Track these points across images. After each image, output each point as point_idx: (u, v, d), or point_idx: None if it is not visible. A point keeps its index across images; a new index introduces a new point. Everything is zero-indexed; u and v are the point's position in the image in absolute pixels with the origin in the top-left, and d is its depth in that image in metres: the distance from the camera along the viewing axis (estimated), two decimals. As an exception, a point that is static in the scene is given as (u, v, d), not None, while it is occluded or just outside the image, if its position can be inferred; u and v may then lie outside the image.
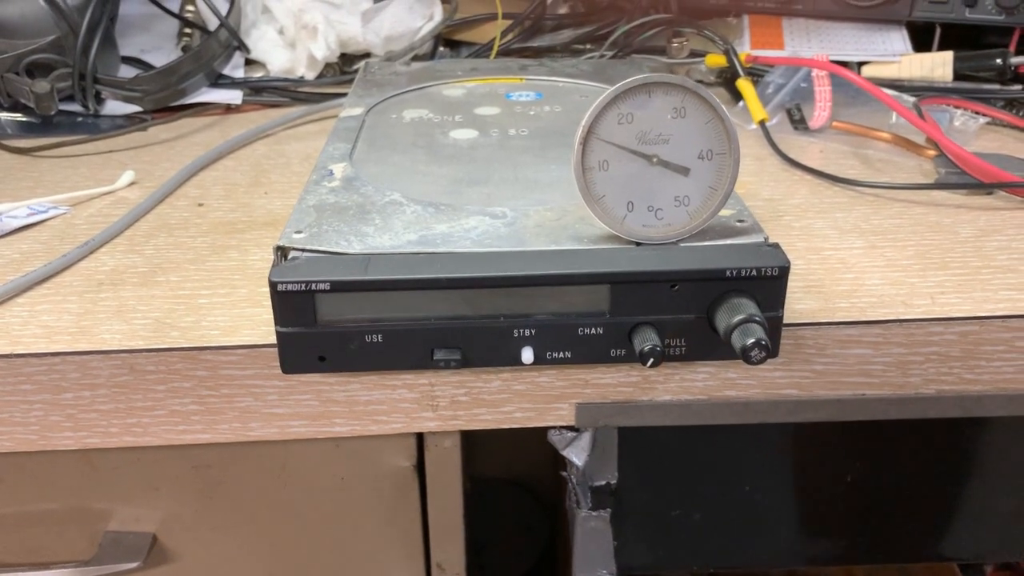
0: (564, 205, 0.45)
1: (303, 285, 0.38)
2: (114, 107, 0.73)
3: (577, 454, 0.47)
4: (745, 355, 0.37)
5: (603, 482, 0.50)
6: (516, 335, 0.40)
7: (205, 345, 0.43)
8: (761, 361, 0.37)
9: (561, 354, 0.40)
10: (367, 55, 0.85)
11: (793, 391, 0.45)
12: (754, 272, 0.39)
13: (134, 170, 0.62)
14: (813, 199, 0.58)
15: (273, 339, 0.42)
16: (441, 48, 0.85)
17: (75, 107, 0.73)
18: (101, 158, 0.67)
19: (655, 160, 0.41)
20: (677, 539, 0.52)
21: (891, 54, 0.78)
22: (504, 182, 0.48)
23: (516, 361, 0.40)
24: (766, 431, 0.48)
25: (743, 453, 0.50)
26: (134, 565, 0.54)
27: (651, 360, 0.38)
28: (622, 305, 0.39)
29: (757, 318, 0.38)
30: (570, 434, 0.47)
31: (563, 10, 0.94)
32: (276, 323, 0.39)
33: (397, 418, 0.45)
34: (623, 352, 0.40)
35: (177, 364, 0.43)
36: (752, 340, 0.37)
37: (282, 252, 0.41)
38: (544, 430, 0.49)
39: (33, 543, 0.55)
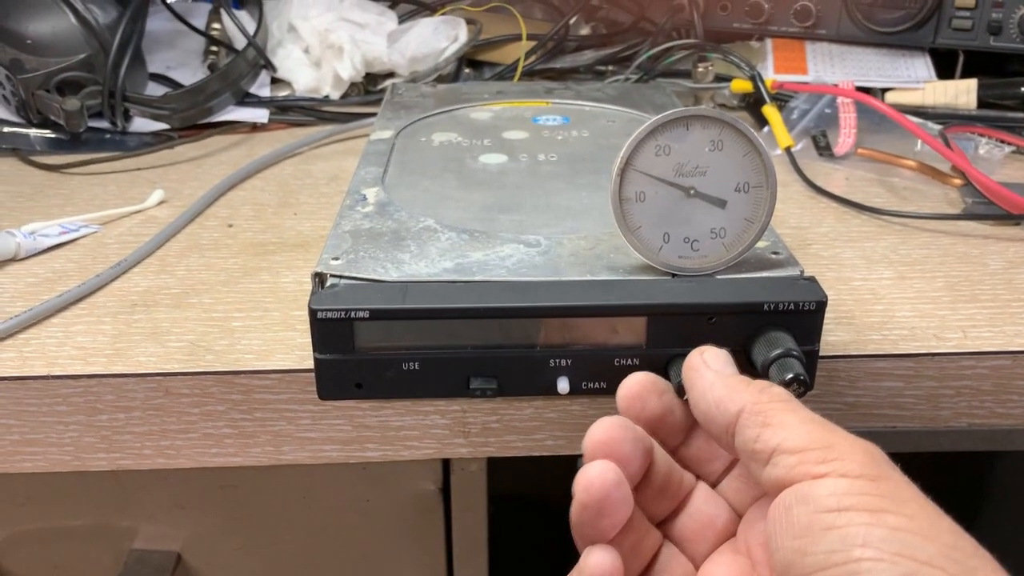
0: (598, 234, 0.45)
1: (343, 313, 0.38)
2: (142, 124, 0.73)
3: (607, 482, 0.47)
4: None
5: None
6: (552, 365, 0.40)
7: (240, 369, 0.43)
8: (799, 396, 0.37)
9: (597, 384, 0.40)
10: (391, 75, 0.85)
11: (824, 423, 0.45)
12: (791, 306, 0.39)
13: (163, 188, 0.63)
14: (840, 227, 0.58)
15: (308, 363, 0.43)
16: (465, 69, 0.86)
17: (103, 124, 0.73)
18: (130, 176, 0.67)
19: (692, 192, 0.41)
20: None
21: (915, 80, 0.78)
22: (536, 209, 0.49)
23: (551, 391, 0.40)
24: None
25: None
26: (160, 584, 0.54)
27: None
28: (659, 337, 0.40)
29: (795, 352, 0.38)
30: (600, 462, 0.47)
31: (585, 31, 0.94)
32: (314, 350, 0.39)
33: (429, 444, 0.45)
34: (659, 384, 0.40)
35: (212, 388, 0.43)
36: (791, 375, 0.37)
37: (320, 279, 0.41)
38: (573, 457, 0.49)
39: (58, 559, 0.55)
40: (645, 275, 0.41)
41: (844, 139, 0.69)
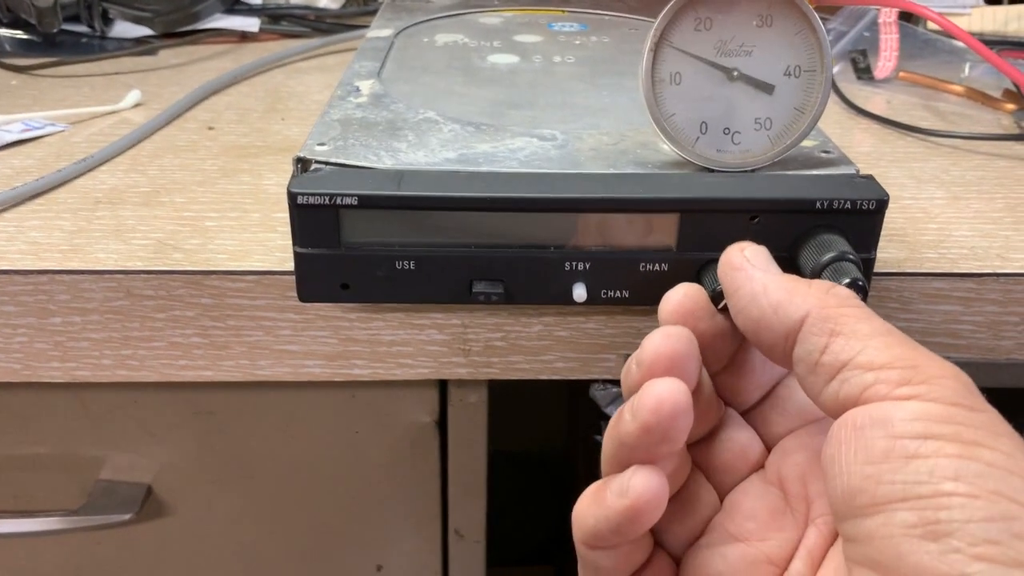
0: (622, 130, 0.40)
1: (327, 199, 0.33)
2: (123, 29, 0.68)
3: (622, 412, 0.42)
4: (837, 297, 0.32)
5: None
6: (567, 268, 0.35)
7: (212, 269, 0.38)
8: (856, 305, 0.32)
9: (618, 293, 0.35)
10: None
11: (870, 350, 0.40)
12: (848, 205, 0.33)
13: (141, 91, 0.57)
14: (884, 148, 0.53)
15: (288, 266, 0.38)
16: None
17: (80, 28, 0.67)
18: (105, 79, 0.62)
19: (735, 74, 0.35)
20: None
21: (961, 6, 0.72)
22: (551, 107, 0.43)
23: (566, 299, 0.35)
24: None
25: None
26: (126, 517, 0.49)
27: (723, 302, 0.33)
28: (692, 239, 0.34)
29: (851, 256, 0.32)
30: (615, 389, 0.42)
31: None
32: (295, 243, 0.34)
33: (424, 362, 0.40)
34: (690, 292, 0.35)
35: (179, 289, 0.38)
36: (847, 280, 0.32)
37: (302, 164, 0.35)
38: (573, 389, 0.44)
39: (18, 488, 0.51)
40: (678, 170, 0.36)
41: (884, 62, 0.64)
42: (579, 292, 0.35)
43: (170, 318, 0.39)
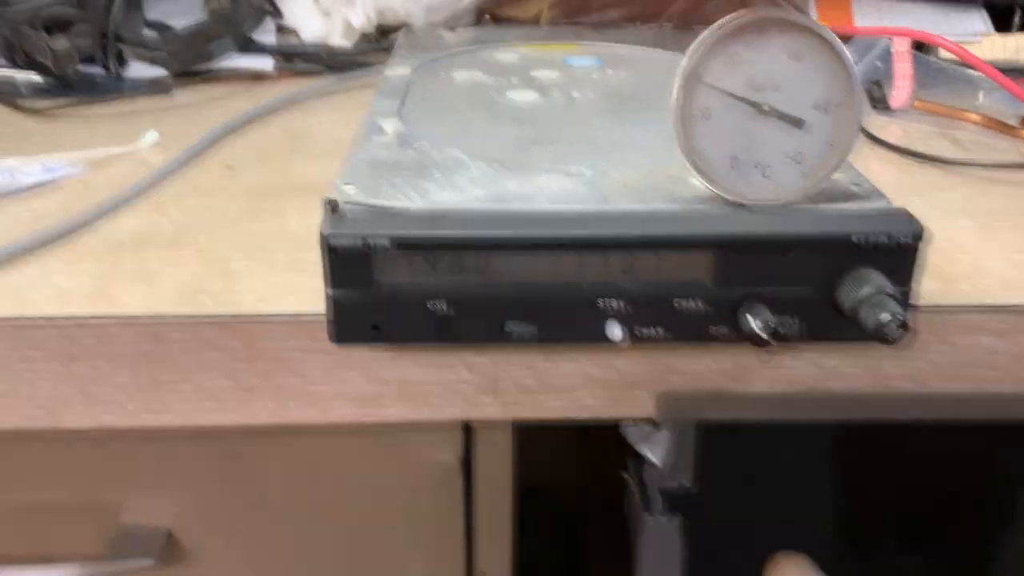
0: (649, 165, 0.40)
1: (360, 241, 0.33)
2: (137, 70, 0.68)
3: (655, 450, 0.42)
4: (880, 333, 0.31)
5: (675, 484, 0.45)
6: (602, 307, 0.34)
7: (241, 313, 0.38)
8: (898, 340, 0.31)
9: (654, 331, 0.35)
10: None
11: (905, 383, 0.40)
12: (884, 239, 0.33)
13: (157, 132, 0.57)
14: (905, 178, 0.53)
15: (318, 308, 0.37)
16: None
17: (95, 69, 0.67)
18: (122, 120, 0.62)
19: (766, 109, 0.35)
20: (757, 552, 0.47)
21: (970, 34, 0.72)
22: (575, 143, 0.43)
23: (600, 338, 0.35)
24: (871, 430, 0.43)
25: (841, 455, 0.44)
26: (147, 563, 0.49)
27: (763, 339, 0.33)
28: (728, 275, 0.34)
29: (889, 291, 0.32)
30: (647, 427, 0.41)
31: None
32: (327, 285, 0.34)
33: (453, 401, 0.40)
34: (726, 330, 0.35)
35: (208, 333, 0.38)
36: (888, 316, 0.31)
37: (332, 206, 0.35)
38: (584, 428, 0.43)
39: (37, 535, 0.50)
40: (709, 206, 0.36)
41: (899, 91, 0.64)
42: (614, 331, 0.34)
43: (198, 361, 0.38)
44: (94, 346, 0.38)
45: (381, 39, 0.77)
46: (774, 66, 0.35)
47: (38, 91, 0.66)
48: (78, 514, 0.49)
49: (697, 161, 0.35)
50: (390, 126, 0.44)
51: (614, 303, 0.34)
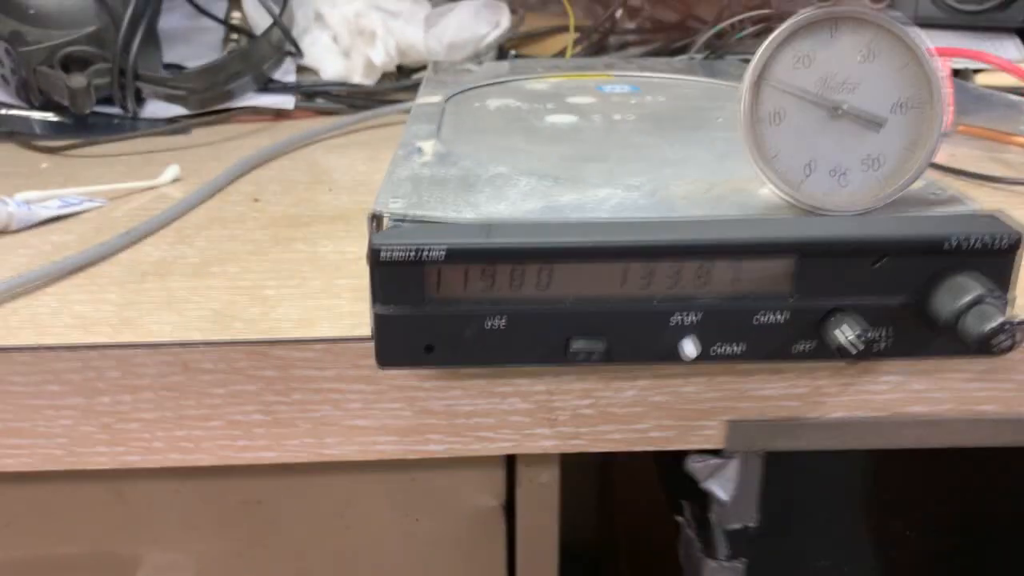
0: (710, 179, 0.37)
1: (413, 253, 0.30)
2: (155, 109, 0.66)
3: (722, 485, 0.39)
4: (985, 344, 0.29)
5: (740, 525, 0.41)
6: (674, 322, 0.31)
7: (277, 339, 0.35)
8: (1008, 350, 0.28)
9: (731, 348, 0.32)
10: (425, 68, 0.78)
11: (993, 407, 0.37)
12: (980, 244, 0.31)
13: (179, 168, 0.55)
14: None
15: (359, 332, 0.34)
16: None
17: (112, 109, 0.66)
18: (140, 158, 0.60)
19: (841, 110, 0.33)
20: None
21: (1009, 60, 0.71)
22: (626, 160, 0.41)
23: (673, 355, 0.32)
24: (952, 461, 0.40)
25: (918, 488, 0.41)
26: (167, 622, 0.45)
27: (855, 353, 0.30)
28: (810, 285, 0.31)
29: (994, 298, 0.29)
30: (714, 460, 0.38)
31: (630, 25, 0.88)
32: (374, 302, 0.31)
33: (505, 434, 0.37)
34: (811, 346, 0.32)
35: (241, 362, 0.35)
36: (993, 325, 0.28)
37: (377, 221, 0.33)
38: (634, 466, 0.40)
39: (47, 594, 0.46)
40: (784, 214, 0.33)
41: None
42: (688, 348, 0.32)
43: (230, 394, 0.35)
44: (118, 378, 0.35)
45: (402, 78, 0.76)
46: (849, 65, 0.33)
47: (54, 130, 0.64)
48: (91, 569, 0.46)
49: (768, 168, 0.33)
50: (429, 147, 0.42)
51: (688, 317, 0.31)
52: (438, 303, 0.31)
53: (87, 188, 0.51)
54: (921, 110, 0.33)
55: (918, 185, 0.35)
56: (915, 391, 0.36)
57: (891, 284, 0.31)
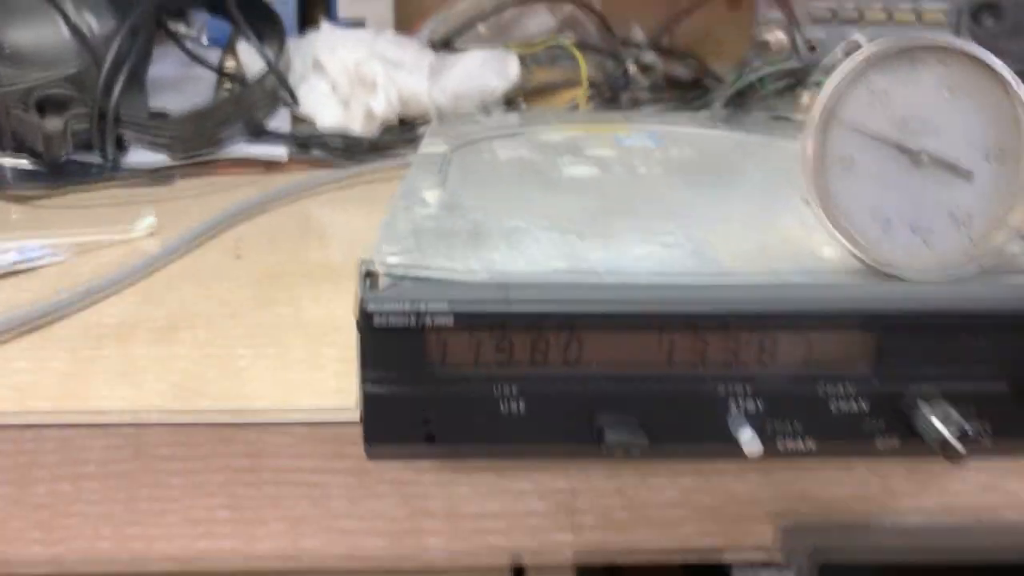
0: (759, 236, 0.32)
1: (414, 317, 0.25)
2: (137, 157, 0.61)
3: (775, 601, 0.32)
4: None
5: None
6: (733, 408, 0.26)
7: (247, 421, 0.29)
8: None
9: (800, 441, 0.26)
10: (428, 121, 0.74)
11: (1099, 512, 0.31)
12: (1104, 318, 0.25)
13: (155, 218, 0.50)
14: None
15: (345, 415, 0.29)
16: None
17: (90, 157, 0.61)
18: (116, 208, 0.55)
19: (924, 158, 0.28)
20: None
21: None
22: (657, 214, 0.36)
23: (728, 450, 0.26)
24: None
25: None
26: None
27: (953, 447, 0.24)
28: (894, 363, 0.26)
29: None
30: (765, 572, 0.32)
31: (643, 81, 0.84)
32: (363, 378, 0.26)
33: (519, 539, 0.31)
34: (896, 440, 0.26)
35: (204, 445, 0.29)
36: None
37: (372, 278, 0.27)
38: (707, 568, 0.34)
39: None
40: (857, 279, 0.28)
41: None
42: (748, 439, 0.26)
43: (191, 484, 0.30)
44: (57, 463, 0.29)
45: (404, 130, 0.71)
46: (930, 104, 0.28)
47: (26, 178, 0.59)
48: None
49: (838, 224, 0.28)
50: (433, 196, 0.37)
51: (747, 401, 0.26)
52: (442, 379, 0.26)
53: (50, 239, 0.46)
54: (1018, 158, 0.28)
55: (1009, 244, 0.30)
56: (1011, 492, 0.30)
57: (990, 364, 0.26)
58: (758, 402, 0.26)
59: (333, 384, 0.31)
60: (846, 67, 0.28)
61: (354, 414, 0.28)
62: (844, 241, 0.28)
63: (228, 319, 0.37)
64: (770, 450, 0.26)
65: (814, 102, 0.28)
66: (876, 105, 0.28)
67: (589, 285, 0.26)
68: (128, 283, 0.41)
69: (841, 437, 0.26)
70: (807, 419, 0.26)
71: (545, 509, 0.30)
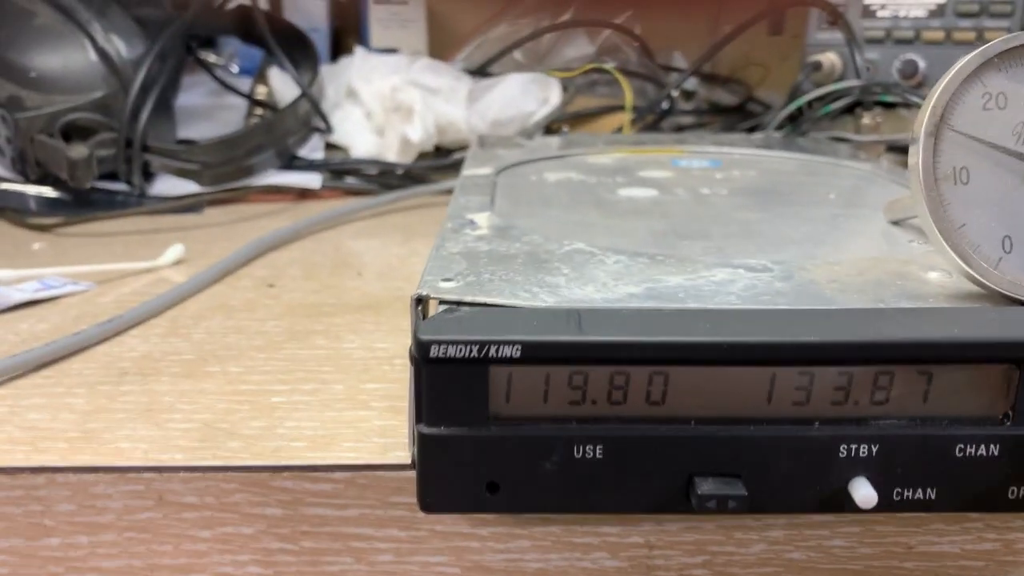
0: (853, 260, 0.29)
1: (476, 349, 0.21)
2: (165, 186, 0.59)
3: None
4: None
5: None
6: (843, 455, 0.22)
7: (284, 464, 0.26)
8: None
9: (921, 493, 0.23)
10: (466, 148, 0.71)
11: None
12: None
13: (184, 247, 0.47)
14: None
15: (393, 457, 0.26)
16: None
17: (116, 185, 0.59)
18: (143, 238, 0.52)
19: (1050, 168, 0.24)
20: None
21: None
22: (732, 237, 0.32)
23: (840, 503, 0.23)
24: None
25: None
26: None
27: (1113, 504, 0.21)
28: (1033, 403, 0.22)
29: None
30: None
31: (686, 106, 0.81)
32: (418, 419, 0.22)
33: (586, 600, 0.27)
34: (1033, 491, 0.22)
35: (235, 495, 0.26)
36: None
37: (424, 305, 0.24)
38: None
39: None
40: (976, 305, 0.24)
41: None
42: (864, 492, 0.22)
43: (219, 538, 0.26)
44: (71, 513, 0.26)
45: (440, 158, 0.68)
46: (1056, 108, 0.25)
47: (50, 206, 0.57)
48: None
49: (951, 244, 0.24)
50: (484, 220, 0.34)
51: (862, 448, 0.22)
52: (508, 422, 0.22)
53: (72, 268, 0.43)
54: None
55: None
56: None
57: None
58: (873, 448, 0.22)
59: (378, 424, 0.28)
60: (959, 67, 0.25)
61: (405, 458, 0.24)
62: (960, 262, 0.24)
63: (260, 352, 0.34)
64: (885, 503, 0.22)
65: (922, 109, 0.25)
66: (991, 110, 0.25)
67: (673, 312, 0.23)
68: (153, 315, 0.38)
69: (969, 488, 0.22)
70: (928, 467, 0.22)
71: (616, 567, 0.27)
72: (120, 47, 0.57)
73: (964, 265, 0.24)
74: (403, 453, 0.26)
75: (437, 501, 0.23)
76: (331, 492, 0.26)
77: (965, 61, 0.25)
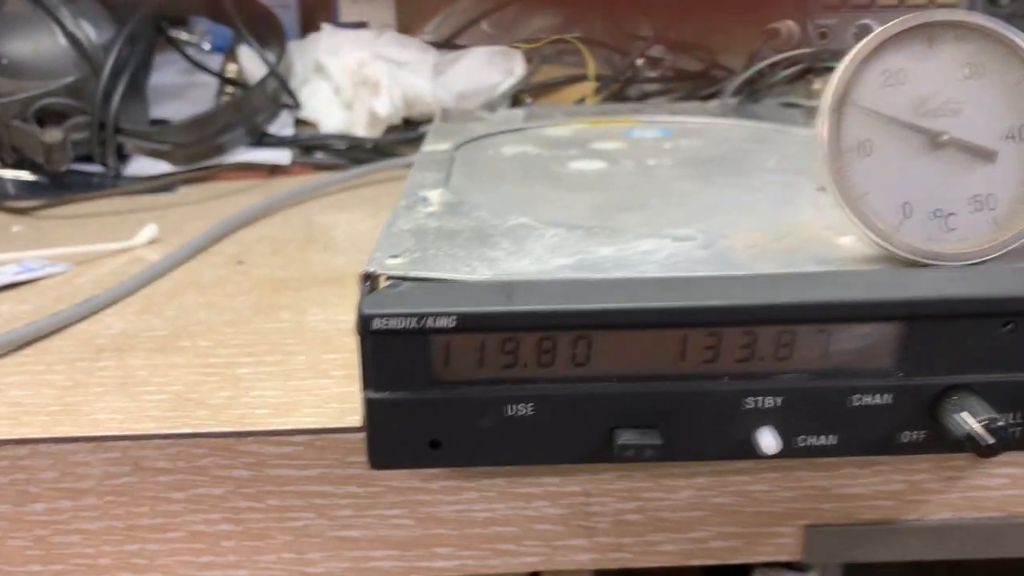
0: (774, 227, 0.31)
1: (415, 321, 0.24)
2: (139, 166, 0.60)
3: (800, 605, 0.31)
4: None
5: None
6: (749, 406, 0.25)
7: (248, 430, 0.28)
8: None
9: (821, 439, 0.25)
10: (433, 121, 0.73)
11: None
12: None
13: (157, 227, 0.49)
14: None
15: (349, 421, 0.28)
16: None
17: (91, 167, 0.60)
18: (118, 218, 0.54)
19: (943, 139, 0.27)
20: None
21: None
22: (669, 207, 0.35)
23: (746, 450, 0.25)
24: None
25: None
26: None
27: (987, 444, 0.23)
28: (922, 357, 0.25)
29: None
30: (788, 573, 0.31)
31: (652, 74, 0.83)
32: (365, 386, 0.25)
33: (531, 547, 0.29)
34: (921, 436, 0.25)
35: (205, 459, 0.28)
36: None
37: (372, 281, 0.26)
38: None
39: None
40: (877, 267, 0.27)
41: None
42: (767, 440, 0.25)
43: (191, 499, 0.29)
44: (54, 480, 0.28)
45: (408, 130, 0.70)
46: (950, 83, 0.27)
47: (27, 190, 0.58)
48: None
49: (856, 211, 0.27)
50: (435, 196, 0.36)
51: (766, 401, 0.25)
52: (447, 385, 0.24)
53: (50, 251, 0.45)
54: (1042, 138, 0.27)
55: (1034, 230, 0.29)
56: (1042, 486, 0.29)
57: (1022, 353, 0.24)
58: (776, 401, 0.24)
59: (337, 391, 0.30)
60: (860, 47, 0.27)
61: (360, 421, 0.27)
62: (863, 228, 0.27)
63: (229, 326, 0.36)
64: (788, 449, 0.25)
65: (827, 85, 0.27)
66: (891, 86, 0.27)
67: (597, 282, 0.25)
68: (128, 293, 0.40)
69: (862, 434, 0.25)
70: (827, 416, 0.25)
71: (557, 514, 0.29)
72: (90, 31, 0.58)
73: (867, 230, 0.27)
74: (358, 417, 0.28)
75: (385, 458, 0.25)
76: (293, 454, 0.28)
77: (865, 41, 0.27)
